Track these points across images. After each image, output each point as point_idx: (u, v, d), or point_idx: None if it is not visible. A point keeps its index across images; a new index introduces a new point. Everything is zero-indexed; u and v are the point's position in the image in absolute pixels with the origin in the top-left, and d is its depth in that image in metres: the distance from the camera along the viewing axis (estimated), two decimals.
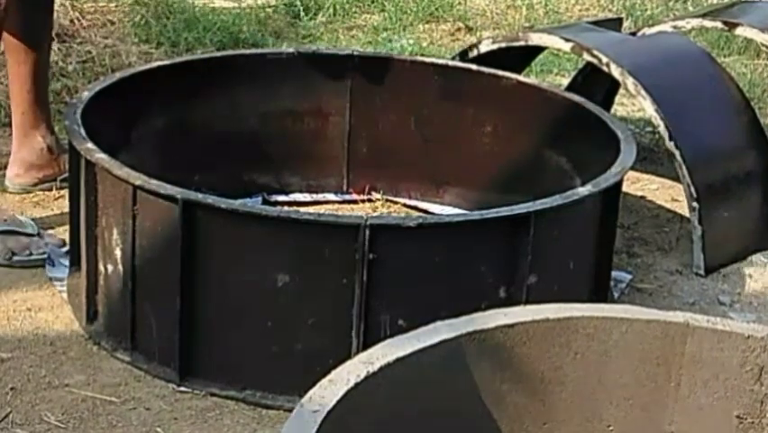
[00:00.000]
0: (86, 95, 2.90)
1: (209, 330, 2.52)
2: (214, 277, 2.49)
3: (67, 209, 2.92)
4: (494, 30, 5.17)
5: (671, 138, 3.16)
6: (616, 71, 3.24)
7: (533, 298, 2.49)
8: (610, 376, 1.80)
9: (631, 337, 1.79)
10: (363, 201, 3.45)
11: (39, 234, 3.01)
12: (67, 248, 2.94)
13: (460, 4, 5.41)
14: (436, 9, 5.30)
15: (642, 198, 3.64)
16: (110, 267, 2.63)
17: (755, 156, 3.38)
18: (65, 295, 2.83)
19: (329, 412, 1.53)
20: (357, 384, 1.59)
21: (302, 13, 5.09)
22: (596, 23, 3.78)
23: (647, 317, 1.80)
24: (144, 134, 3.12)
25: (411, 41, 4.97)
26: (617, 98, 4.07)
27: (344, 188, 3.47)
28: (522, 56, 3.76)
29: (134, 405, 2.47)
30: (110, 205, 2.60)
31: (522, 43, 3.46)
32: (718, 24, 3.71)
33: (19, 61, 3.21)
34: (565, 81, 4.18)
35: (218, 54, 3.94)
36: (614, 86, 3.82)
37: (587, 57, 3.34)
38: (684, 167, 3.15)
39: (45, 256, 2.95)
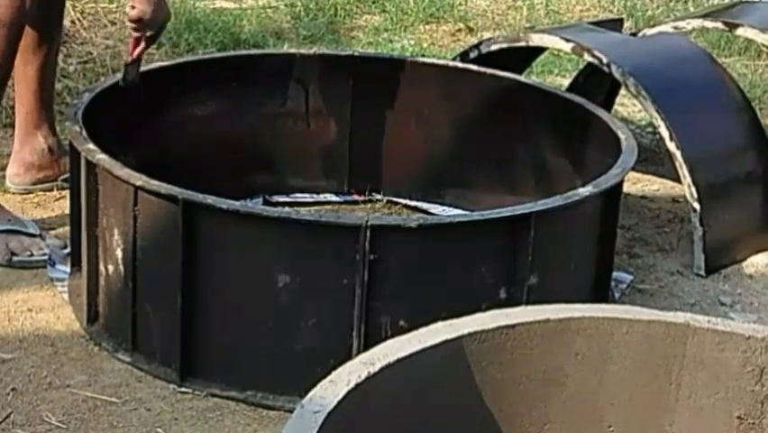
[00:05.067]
0: (86, 95, 2.90)
1: (210, 331, 2.53)
2: (215, 277, 2.49)
3: (67, 210, 2.92)
4: (495, 30, 5.16)
5: (671, 139, 3.16)
6: (617, 72, 3.25)
7: (533, 298, 2.49)
8: (611, 377, 1.80)
9: (632, 338, 1.79)
10: (364, 202, 3.45)
11: (40, 235, 3.01)
12: (68, 249, 2.94)
13: (461, 4, 5.41)
14: (437, 10, 5.30)
15: (643, 198, 3.64)
16: (111, 268, 2.64)
17: (756, 157, 3.38)
18: (66, 296, 2.83)
19: (330, 413, 1.53)
20: (358, 385, 1.59)
21: (303, 14, 5.09)
22: (597, 23, 3.78)
23: (648, 317, 1.80)
24: (145, 135, 3.12)
25: (412, 42, 4.97)
26: (618, 99, 4.07)
27: (345, 188, 3.47)
28: (523, 57, 3.76)
29: (135, 406, 2.47)
30: (111, 205, 2.61)
31: (523, 44, 3.46)
32: (719, 25, 3.71)
33: (26, 61, 3.22)
34: (566, 82, 4.18)
35: (219, 55, 3.94)
36: (615, 86, 3.82)
37: (588, 57, 3.34)
38: (685, 167, 3.15)
39: (46, 257, 2.95)
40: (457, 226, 2.55)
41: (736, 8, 3.90)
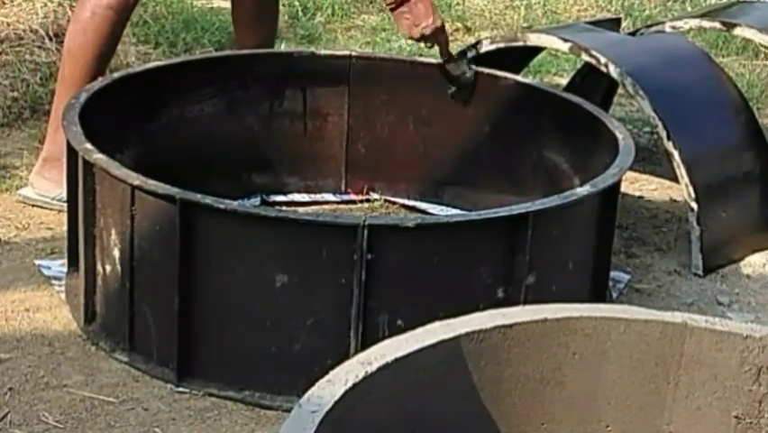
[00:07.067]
0: (84, 95, 2.89)
1: (207, 331, 2.52)
2: (213, 277, 2.49)
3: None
4: (492, 30, 5.17)
5: (669, 138, 3.16)
6: (614, 72, 3.24)
7: (531, 298, 2.49)
8: (609, 377, 1.80)
9: (629, 338, 1.79)
10: (362, 202, 3.45)
11: None
12: None
13: (458, 4, 5.41)
14: None
15: (640, 198, 3.64)
16: (108, 267, 2.63)
17: (753, 156, 3.38)
18: (63, 295, 2.83)
19: (327, 413, 1.53)
20: (355, 385, 1.59)
21: (300, 14, 5.09)
22: (594, 23, 3.78)
23: (646, 317, 1.80)
24: (142, 135, 3.12)
25: (410, 42, 4.96)
26: (616, 99, 4.07)
27: (343, 188, 3.47)
28: (520, 56, 3.76)
29: (132, 405, 2.47)
30: (108, 205, 2.60)
31: (520, 44, 3.46)
32: (717, 25, 3.71)
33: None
34: (564, 81, 4.18)
35: (216, 54, 3.94)
36: (612, 86, 3.82)
37: (585, 57, 3.34)
38: (682, 167, 3.15)
39: None
40: (455, 226, 2.55)
41: (733, 8, 3.90)
